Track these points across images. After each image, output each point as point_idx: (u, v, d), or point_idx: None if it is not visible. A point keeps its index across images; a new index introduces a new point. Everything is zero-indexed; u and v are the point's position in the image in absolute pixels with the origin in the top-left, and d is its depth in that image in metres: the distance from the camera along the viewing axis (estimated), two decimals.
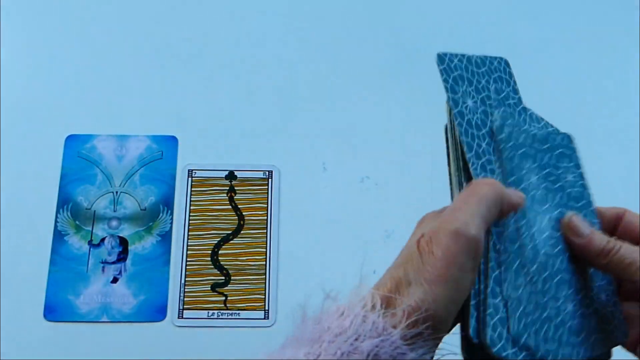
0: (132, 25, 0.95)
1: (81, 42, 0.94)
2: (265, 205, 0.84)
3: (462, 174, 0.40)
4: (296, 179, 0.86)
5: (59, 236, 0.81)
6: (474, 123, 0.41)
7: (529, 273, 0.38)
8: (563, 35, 0.96)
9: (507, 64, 0.46)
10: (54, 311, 0.78)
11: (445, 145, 0.43)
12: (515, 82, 0.46)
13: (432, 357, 0.34)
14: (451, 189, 0.41)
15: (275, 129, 0.89)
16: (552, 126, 0.47)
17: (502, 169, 0.40)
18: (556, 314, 0.39)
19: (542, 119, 0.46)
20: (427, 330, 0.33)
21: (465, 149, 0.39)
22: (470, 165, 0.39)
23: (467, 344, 0.36)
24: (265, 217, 0.83)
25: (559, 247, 0.41)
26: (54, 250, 0.81)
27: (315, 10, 0.98)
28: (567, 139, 0.46)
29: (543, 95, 0.83)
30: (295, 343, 0.34)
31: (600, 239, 0.40)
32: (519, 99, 0.45)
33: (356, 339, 0.32)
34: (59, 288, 0.79)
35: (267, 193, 0.85)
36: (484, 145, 0.40)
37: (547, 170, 0.43)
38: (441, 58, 0.42)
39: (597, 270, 0.42)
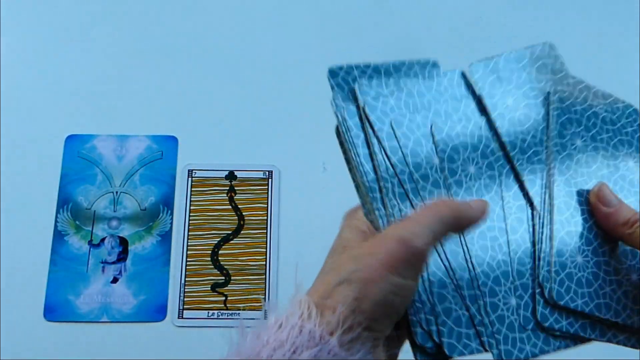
0: (132, 25, 0.96)
1: (81, 42, 0.94)
2: (265, 205, 0.84)
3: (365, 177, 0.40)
4: (296, 179, 0.86)
5: (59, 236, 0.81)
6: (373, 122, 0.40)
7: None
8: (563, 34, 0.96)
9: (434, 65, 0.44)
10: (54, 311, 0.78)
11: (340, 148, 0.42)
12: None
13: (373, 358, 0.34)
14: (359, 193, 0.41)
15: (275, 129, 0.89)
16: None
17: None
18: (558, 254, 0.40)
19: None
20: (363, 332, 0.33)
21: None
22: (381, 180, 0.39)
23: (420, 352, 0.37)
24: (265, 217, 0.83)
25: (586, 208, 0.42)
26: (54, 250, 0.81)
27: (316, 10, 0.98)
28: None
29: None
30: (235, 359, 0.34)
31: (628, 209, 0.40)
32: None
33: (294, 352, 0.32)
34: (59, 288, 0.79)
35: (267, 193, 0.85)
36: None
37: (600, 144, 0.43)
38: (334, 72, 0.42)
39: (626, 246, 0.42)
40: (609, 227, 0.41)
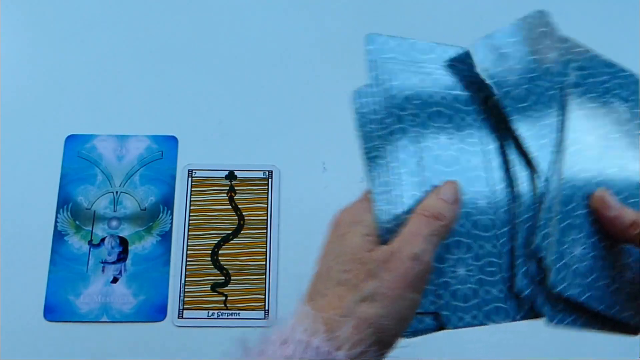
0: (132, 25, 0.96)
1: (81, 42, 0.94)
2: (265, 205, 0.84)
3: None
4: (296, 179, 0.86)
5: (59, 236, 0.81)
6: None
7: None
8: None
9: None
10: (54, 311, 0.78)
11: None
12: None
13: None
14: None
15: (275, 129, 0.89)
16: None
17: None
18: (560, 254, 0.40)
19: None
20: (372, 347, 0.33)
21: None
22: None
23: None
24: (265, 217, 0.83)
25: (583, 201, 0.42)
26: (54, 250, 0.81)
27: (316, 11, 0.98)
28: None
29: None
30: None
31: (631, 212, 0.40)
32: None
33: None
34: (59, 288, 0.79)
35: (267, 193, 0.85)
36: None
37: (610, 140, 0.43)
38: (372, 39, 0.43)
39: (629, 247, 0.42)
40: (615, 231, 0.41)
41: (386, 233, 0.38)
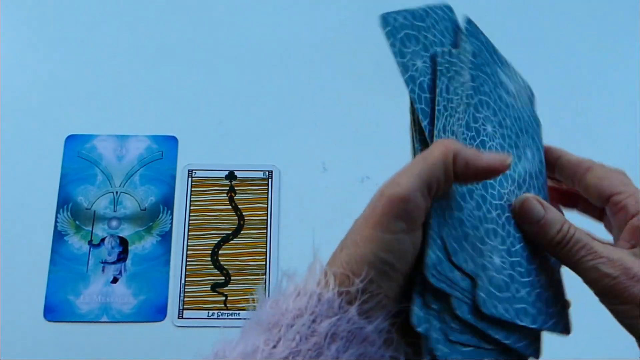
0: (132, 25, 0.96)
1: (81, 42, 0.94)
2: (265, 205, 0.84)
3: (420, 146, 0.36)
4: (296, 179, 0.86)
5: (59, 236, 0.81)
6: (426, 86, 0.37)
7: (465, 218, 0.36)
8: (563, 34, 0.96)
9: (450, 10, 0.43)
10: (54, 311, 0.78)
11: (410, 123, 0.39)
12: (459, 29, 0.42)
13: (389, 325, 0.33)
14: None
15: (275, 129, 0.89)
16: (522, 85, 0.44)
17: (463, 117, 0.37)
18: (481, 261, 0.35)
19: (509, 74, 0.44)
20: (383, 301, 0.32)
21: (420, 116, 0.36)
22: (427, 134, 0.36)
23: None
24: (265, 217, 0.83)
25: (502, 200, 0.38)
26: (54, 250, 0.81)
27: (315, 10, 0.98)
28: (534, 120, 0.43)
29: (543, 95, 0.83)
30: (255, 328, 0.33)
31: (554, 220, 0.37)
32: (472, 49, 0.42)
33: (313, 321, 0.32)
34: (59, 288, 0.79)
35: (267, 193, 0.85)
36: (440, 107, 0.36)
37: (506, 131, 0.40)
38: (386, 20, 0.37)
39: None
40: (542, 245, 0.38)
41: None
